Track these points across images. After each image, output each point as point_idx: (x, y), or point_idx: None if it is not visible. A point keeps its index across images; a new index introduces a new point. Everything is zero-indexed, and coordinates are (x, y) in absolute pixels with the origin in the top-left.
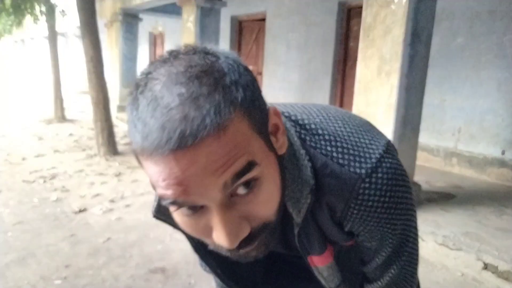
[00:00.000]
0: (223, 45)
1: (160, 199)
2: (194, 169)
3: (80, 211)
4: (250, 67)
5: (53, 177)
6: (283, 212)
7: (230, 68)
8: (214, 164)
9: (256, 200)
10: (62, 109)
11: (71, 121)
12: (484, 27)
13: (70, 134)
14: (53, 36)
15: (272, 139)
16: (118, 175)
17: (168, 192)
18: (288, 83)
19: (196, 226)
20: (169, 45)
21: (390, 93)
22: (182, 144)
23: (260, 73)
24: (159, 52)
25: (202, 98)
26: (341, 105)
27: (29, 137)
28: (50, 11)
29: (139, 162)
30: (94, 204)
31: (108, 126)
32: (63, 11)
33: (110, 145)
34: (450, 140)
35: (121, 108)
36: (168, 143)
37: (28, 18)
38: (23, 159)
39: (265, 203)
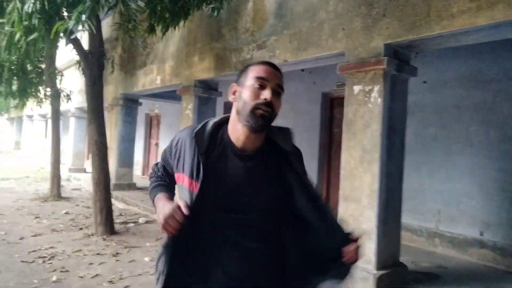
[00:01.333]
0: None
1: (255, 79)
2: (274, 71)
3: None
4: None
5: (52, 257)
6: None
7: None
8: (278, 75)
9: (277, 102)
10: (58, 187)
11: (66, 199)
12: (452, 118)
13: (66, 213)
14: (56, 117)
15: None
16: (115, 255)
17: (263, 74)
18: None
19: (255, 93)
20: (164, 126)
21: (372, 180)
22: (273, 65)
23: None
24: (154, 132)
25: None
26: (328, 186)
27: (26, 216)
28: (56, 95)
29: (244, 74)
30: (94, 285)
31: (107, 206)
32: (67, 95)
33: (108, 225)
34: (431, 221)
35: (117, 186)
36: (269, 63)
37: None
38: (21, 238)
39: (278, 106)
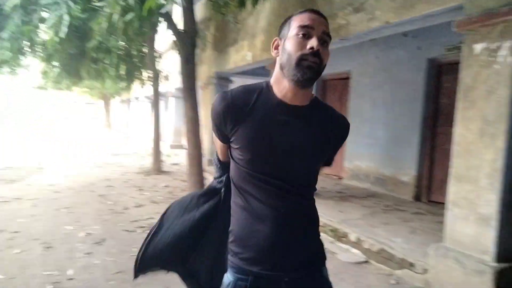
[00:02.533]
0: None
1: (299, 28)
2: (318, 18)
3: None
4: None
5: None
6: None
7: None
8: (324, 22)
9: (324, 52)
10: (159, 162)
11: (166, 173)
12: None
13: (166, 186)
14: (156, 97)
15: None
16: None
17: (308, 22)
18: (374, 140)
19: (300, 43)
20: None
21: (495, 157)
22: (317, 12)
23: None
24: None
25: None
26: (431, 164)
27: (131, 187)
28: (156, 77)
29: (287, 26)
30: None
31: (201, 179)
32: (166, 76)
33: None
34: None
35: (210, 162)
36: (313, 10)
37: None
38: (125, 208)
39: (326, 56)
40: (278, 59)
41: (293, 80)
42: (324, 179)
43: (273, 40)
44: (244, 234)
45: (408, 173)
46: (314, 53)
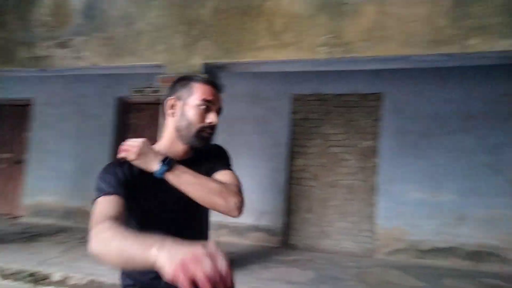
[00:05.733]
0: None
1: (203, 101)
2: (217, 94)
3: None
4: (4, 156)
5: None
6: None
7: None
8: (220, 97)
9: (217, 122)
10: None
11: None
12: (238, 128)
13: None
14: None
15: None
16: None
17: (210, 97)
18: (60, 172)
19: (201, 115)
20: None
21: None
22: (216, 86)
23: (20, 162)
24: None
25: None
26: None
27: None
28: None
29: (186, 90)
30: None
31: None
32: None
33: None
34: (219, 215)
35: None
36: (213, 83)
37: None
38: None
39: (218, 122)
40: (173, 119)
41: (189, 144)
42: None
43: (168, 99)
44: None
45: None
46: (212, 126)
